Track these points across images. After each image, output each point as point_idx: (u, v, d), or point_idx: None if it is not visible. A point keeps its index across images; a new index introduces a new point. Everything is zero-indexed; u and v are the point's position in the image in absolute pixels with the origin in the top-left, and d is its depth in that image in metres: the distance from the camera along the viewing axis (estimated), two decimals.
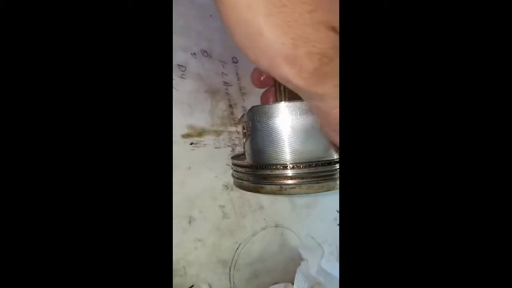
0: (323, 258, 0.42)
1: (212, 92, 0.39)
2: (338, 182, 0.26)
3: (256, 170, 0.28)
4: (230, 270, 0.40)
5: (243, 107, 0.41)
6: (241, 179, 0.30)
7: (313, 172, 0.26)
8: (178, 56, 0.37)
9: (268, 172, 0.27)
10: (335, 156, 0.27)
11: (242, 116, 0.31)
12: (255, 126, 0.28)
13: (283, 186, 0.26)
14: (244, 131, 0.30)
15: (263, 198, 0.42)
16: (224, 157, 0.40)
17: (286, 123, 0.26)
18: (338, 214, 0.44)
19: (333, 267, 0.41)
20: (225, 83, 0.40)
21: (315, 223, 0.43)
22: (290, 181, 0.26)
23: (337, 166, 0.26)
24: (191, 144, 0.38)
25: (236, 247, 0.40)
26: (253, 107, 0.28)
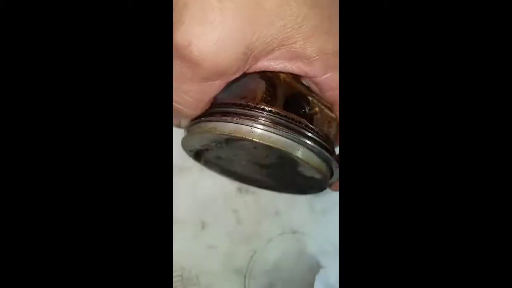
0: None
1: None
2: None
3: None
4: (245, 279, 0.39)
5: None
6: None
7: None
8: None
9: None
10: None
11: None
12: None
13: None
14: None
15: (280, 203, 0.40)
16: None
17: None
18: None
19: None
20: None
21: (334, 228, 0.41)
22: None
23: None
24: None
25: (251, 254, 0.39)
26: None
